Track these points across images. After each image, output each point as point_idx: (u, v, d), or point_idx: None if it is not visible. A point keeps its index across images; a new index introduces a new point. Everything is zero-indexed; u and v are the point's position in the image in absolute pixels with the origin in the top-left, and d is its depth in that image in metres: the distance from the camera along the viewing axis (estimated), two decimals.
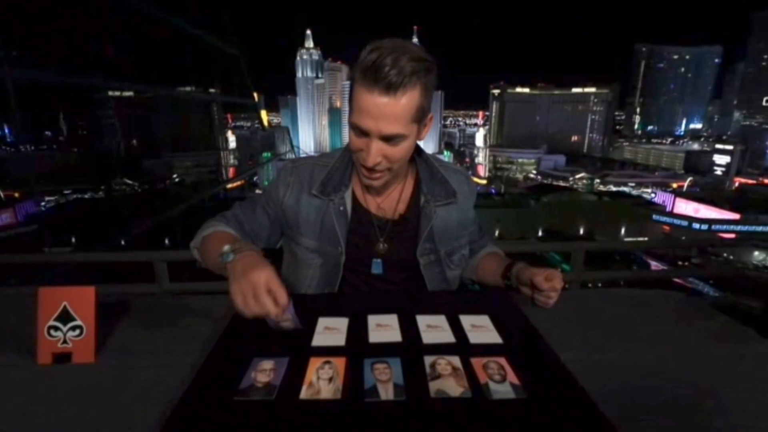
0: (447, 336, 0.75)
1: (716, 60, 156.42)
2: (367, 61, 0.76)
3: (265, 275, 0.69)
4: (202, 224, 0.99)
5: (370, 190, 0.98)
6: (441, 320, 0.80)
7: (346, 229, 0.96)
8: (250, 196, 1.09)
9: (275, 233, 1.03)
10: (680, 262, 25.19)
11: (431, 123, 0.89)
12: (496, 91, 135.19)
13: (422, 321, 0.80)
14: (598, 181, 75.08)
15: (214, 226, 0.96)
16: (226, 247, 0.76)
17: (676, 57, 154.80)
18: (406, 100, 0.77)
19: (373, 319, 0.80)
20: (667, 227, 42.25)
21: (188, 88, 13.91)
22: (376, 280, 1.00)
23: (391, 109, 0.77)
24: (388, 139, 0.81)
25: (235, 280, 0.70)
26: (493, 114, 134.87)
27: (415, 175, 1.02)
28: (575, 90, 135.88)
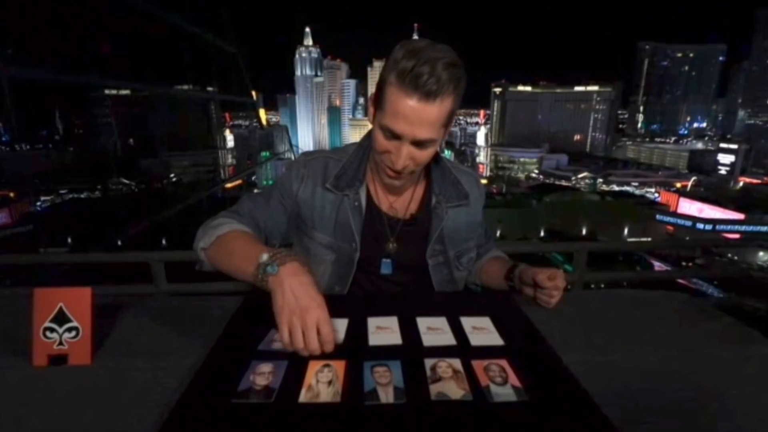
0: (448, 338, 0.74)
1: (720, 58, 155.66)
2: (404, 67, 0.76)
3: (323, 315, 0.66)
4: (205, 222, 0.90)
5: (384, 189, 0.98)
6: (441, 322, 0.80)
7: (361, 225, 0.96)
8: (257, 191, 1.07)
9: (291, 226, 1.02)
10: (684, 263, 25.09)
11: (451, 124, 0.90)
12: (497, 90, 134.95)
13: (422, 323, 0.79)
14: (600, 180, 74.86)
15: (226, 224, 0.86)
16: (265, 257, 0.70)
17: (679, 55, 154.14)
18: (442, 107, 0.79)
19: (372, 322, 0.79)
20: (670, 227, 42.14)
21: (186, 87, 13.94)
22: (384, 280, 1.00)
23: (427, 115, 0.79)
24: (419, 143, 0.82)
25: (285, 307, 0.66)
26: (495, 113, 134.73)
27: (428, 175, 1.02)
28: (578, 88, 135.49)
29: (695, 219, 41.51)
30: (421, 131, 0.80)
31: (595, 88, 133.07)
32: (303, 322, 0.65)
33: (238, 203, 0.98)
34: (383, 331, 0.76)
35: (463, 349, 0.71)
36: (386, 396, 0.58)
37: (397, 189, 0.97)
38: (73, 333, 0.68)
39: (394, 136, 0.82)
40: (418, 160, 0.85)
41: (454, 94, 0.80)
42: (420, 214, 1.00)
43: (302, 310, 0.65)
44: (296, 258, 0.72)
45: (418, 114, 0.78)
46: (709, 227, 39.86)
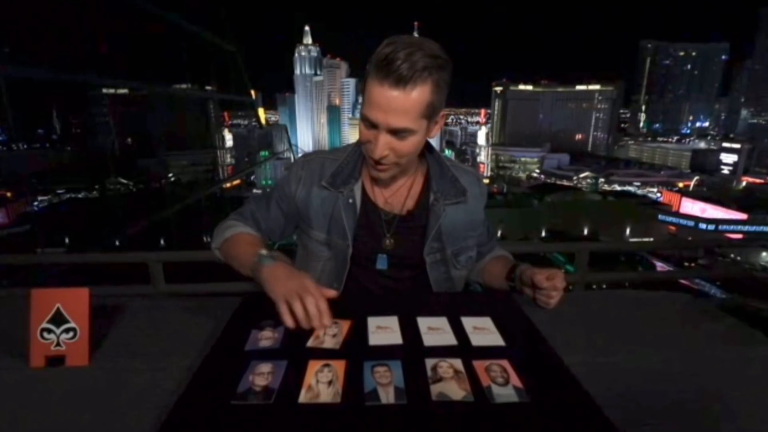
0: (448, 338, 0.74)
1: (723, 57, 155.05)
2: (380, 54, 0.77)
3: (311, 281, 0.74)
4: (219, 224, 1.04)
5: (378, 183, 0.99)
6: (442, 322, 0.79)
7: (354, 222, 0.97)
8: (255, 193, 1.11)
9: (289, 228, 1.06)
10: (686, 263, 25.00)
11: (443, 121, 0.90)
12: (498, 89, 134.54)
13: (423, 323, 0.79)
14: (602, 180, 74.66)
15: (233, 227, 1.00)
16: (264, 251, 0.83)
17: (682, 54, 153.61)
18: (416, 95, 0.78)
19: (373, 321, 0.79)
20: (673, 227, 42.07)
21: (184, 86, 13.86)
22: (381, 276, 1.00)
23: (399, 102, 0.78)
24: (396, 132, 0.82)
25: (279, 283, 0.75)
26: (496, 112, 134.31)
27: (425, 172, 1.02)
28: (579, 87, 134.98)
29: (698, 219, 41.43)
30: (395, 119, 0.79)
31: (597, 87, 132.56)
32: (297, 290, 0.72)
33: (244, 205, 1.08)
34: (383, 330, 0.76)
35: (464, 349, 0.71)
36: (387, 396, 0.58)
37: (384, 182, 0.97)
38: (71, 334, 0.68)
39: (372, 125, 0.82)
40: (398, 151, 0.84)
41: (432, 83, 0.79)
42: (416, 210, 1.00)
43: (293, 279, 0.75)
44: (287, 260, 0.85)
45: (390, 101, 0.77)
46: (711, 227, 39.80)
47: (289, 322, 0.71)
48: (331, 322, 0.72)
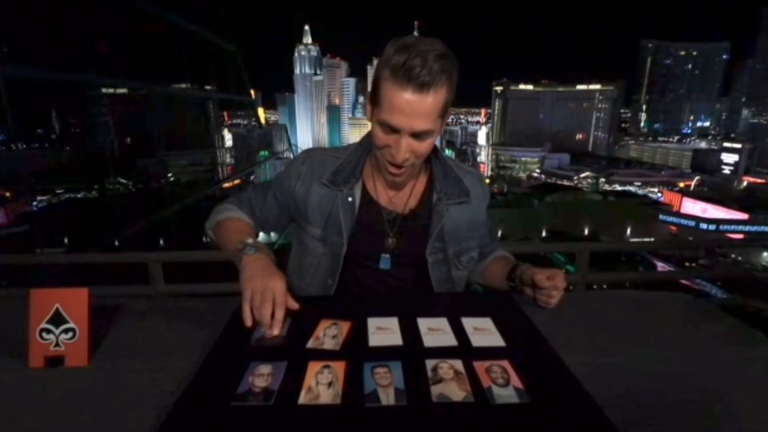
0: (449, 339, 0.74)
1: (724, 56, 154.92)
2: (396, 62, 0.79)
3: (281, 285, 0.78)
4: (217, 205, 1.07)
5: (384, 185, 0.99)
6: (443, 323, 0.79)
7: (352, 221, 0.98)
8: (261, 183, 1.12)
9: (283, 219, 1.08)
10: (687, 263, 24.92)
11: (447, 116, 0.92)
12: (498, 88, 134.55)
13: (423, 324, 0.79)
14: (603, 180, 74.67)
15: (228, 211, 1.04)
16: (250, 240, 0.87)
17: (683, 53, 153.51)
18: (436, 97, 0.81)
19: (373, 322, 0.79)
20: (673, 227, 42.04)
21: (183, 85, 13.82)
22: (384, 275, 1.00)
23: (422, 106, 0.81)
24: (418, 135, 0.84)
25: (252, 277, 0.79)
26: (496, 111, 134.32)
27: (428, 172, 1.03)
28: (580, 87, 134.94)
29: (698, 219, 41.39)
30: (418, 123, 0.82)
31: (598, 86, 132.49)
32: (263, 291, 0.76)
33: (245, 190, 1.11)
34: (383, 331, 0.76)
35: (464, 350, 0.71)
36: (387, 397, 0.58)
37: (398, 185, 0.98)
38: (70, 334, 0.68)
39: (393, 130, 0.84)
40: (418, 152, 0.87)
41: (447, 84, 0.82)
42: (419, 210, 1.00)
43: (264, 277, 0.79)
44: (269, 254, 0.87)
45: (414, 106, 0.80)
46: (712, 227, 39.76)
47: (247, 322, 0.75)
48: (281, 332, 0.75)
